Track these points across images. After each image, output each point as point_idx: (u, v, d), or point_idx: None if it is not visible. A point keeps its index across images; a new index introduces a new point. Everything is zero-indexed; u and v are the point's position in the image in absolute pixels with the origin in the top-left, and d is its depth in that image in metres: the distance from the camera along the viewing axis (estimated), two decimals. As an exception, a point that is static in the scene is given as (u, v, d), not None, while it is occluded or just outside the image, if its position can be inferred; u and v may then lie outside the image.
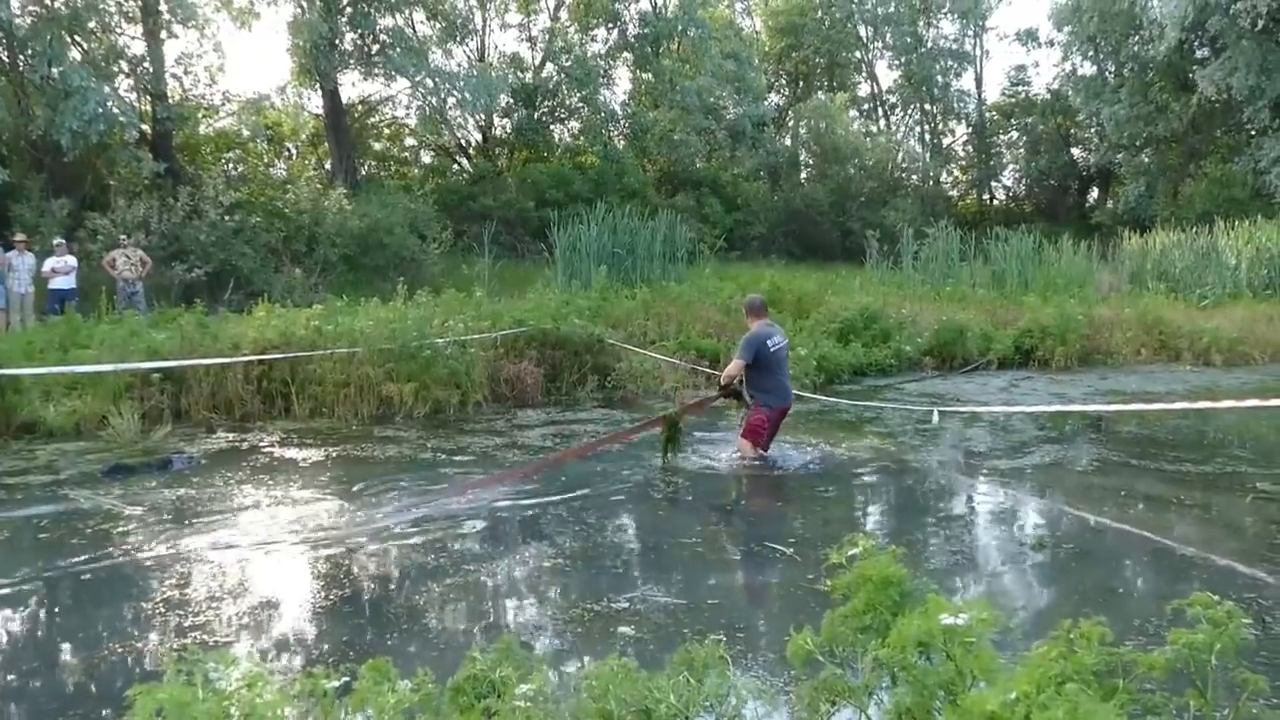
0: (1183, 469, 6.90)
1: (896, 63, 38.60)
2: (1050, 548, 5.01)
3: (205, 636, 3.86)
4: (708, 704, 2.25)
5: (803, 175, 33.85)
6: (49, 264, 13.90)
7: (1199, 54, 28.50)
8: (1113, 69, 32.71)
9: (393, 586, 4.48)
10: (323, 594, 4.39)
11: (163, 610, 4.17)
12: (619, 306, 13.17)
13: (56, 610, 4.18)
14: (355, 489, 6.40)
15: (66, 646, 3.79)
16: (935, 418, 7.86)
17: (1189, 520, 5.59)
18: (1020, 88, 38.98)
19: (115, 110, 17.56)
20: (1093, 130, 34.69)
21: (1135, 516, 5.63)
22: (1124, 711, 1.73)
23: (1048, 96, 37.12)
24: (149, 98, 20.45)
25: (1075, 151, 37.49)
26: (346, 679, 1.84)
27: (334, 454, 7.69)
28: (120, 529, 5.46)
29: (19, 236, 14.15)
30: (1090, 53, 33.14)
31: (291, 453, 7.74)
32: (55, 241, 14.46)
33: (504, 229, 22.27)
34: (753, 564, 4.91)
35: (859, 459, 7.36)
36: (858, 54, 39.24)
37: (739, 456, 7.01)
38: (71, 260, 14.26)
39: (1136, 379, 12.16)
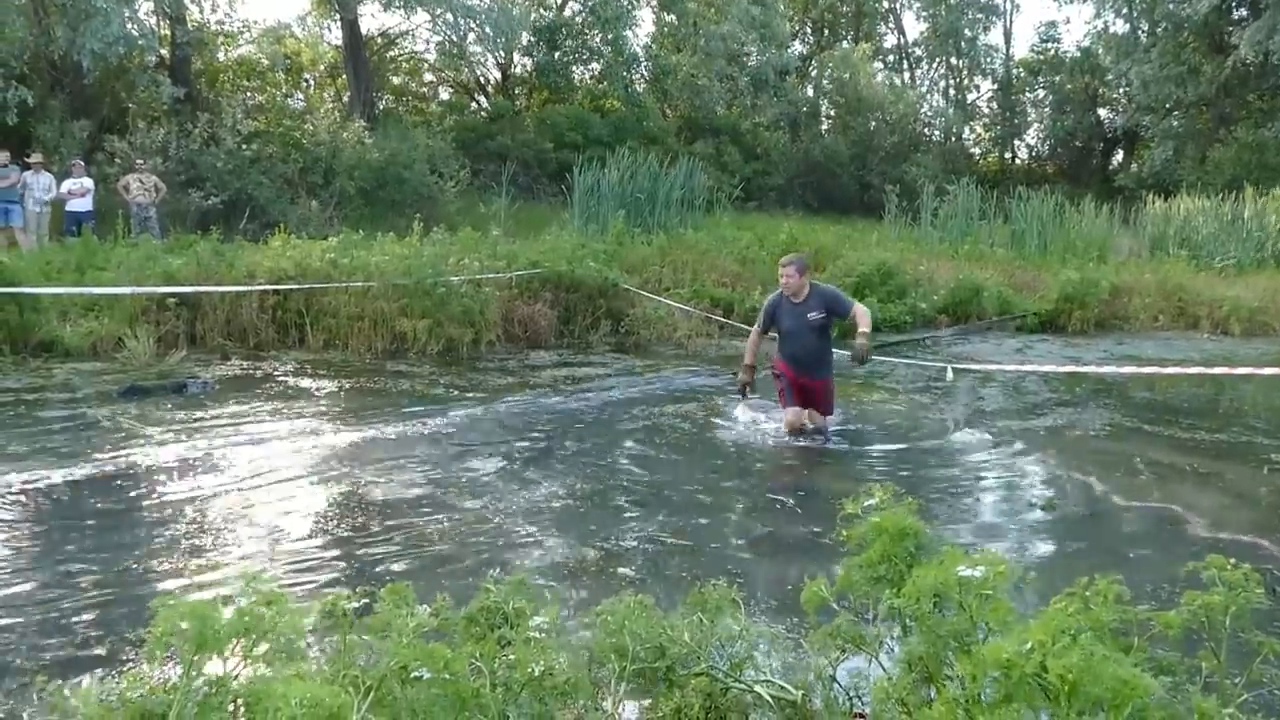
0: (1196, 437, 6.88)
1: (924, 14, 37.79)
2: (1059, 510, 5.01)
3: (218, 556, 3.91)
4: (719, 645, 2.28)
5: (824, 127, 33.32)
6: (66, 185, 13.86)
7: (1237, 14, 27.81)
8: (1146, 28, 31.95)
9: (403, 518, 4.51)
10: (333, 521, 4.44)
11: (177, 528, 4.22)
12: (635, 252, 13.10)
13: (73, 523, 4.24)
14: (368, 420, 6.44)
15: (85, 557, 3.85)
16: (949, 375, 7.84)
17: (1200, 489, 5.57)
18: (1050, 44, 38.10)
19: (135, 33, 17.34)
20: (1121, 91, 33.99)
21: (1146, 483, 5.62)
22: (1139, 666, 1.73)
23: (1077, 54, 36.28)
24: (168, 21, 20.18)
25: (1102, 112, 36.77)
26: (366, 601, 1.86)
27: (347, 386, 7.73)
28: (137, 447, 5.52)
29: (35, 156, 14.08)
30: (1124, 10, 32.35)
31: (305, 382, 7.79)
32: (72, 162, 14.42)
33: (521, 169, 22.06)
34: (756, 513, 4.92)
35: (869, 415, 7.35)
36: (885, 3, 38.41)
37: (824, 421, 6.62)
38: (88, 182, 14.21)
39: (1153, 345, 12.08)
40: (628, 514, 4.76)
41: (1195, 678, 1.88)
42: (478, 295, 9.88)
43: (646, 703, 2.17)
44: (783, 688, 2.27)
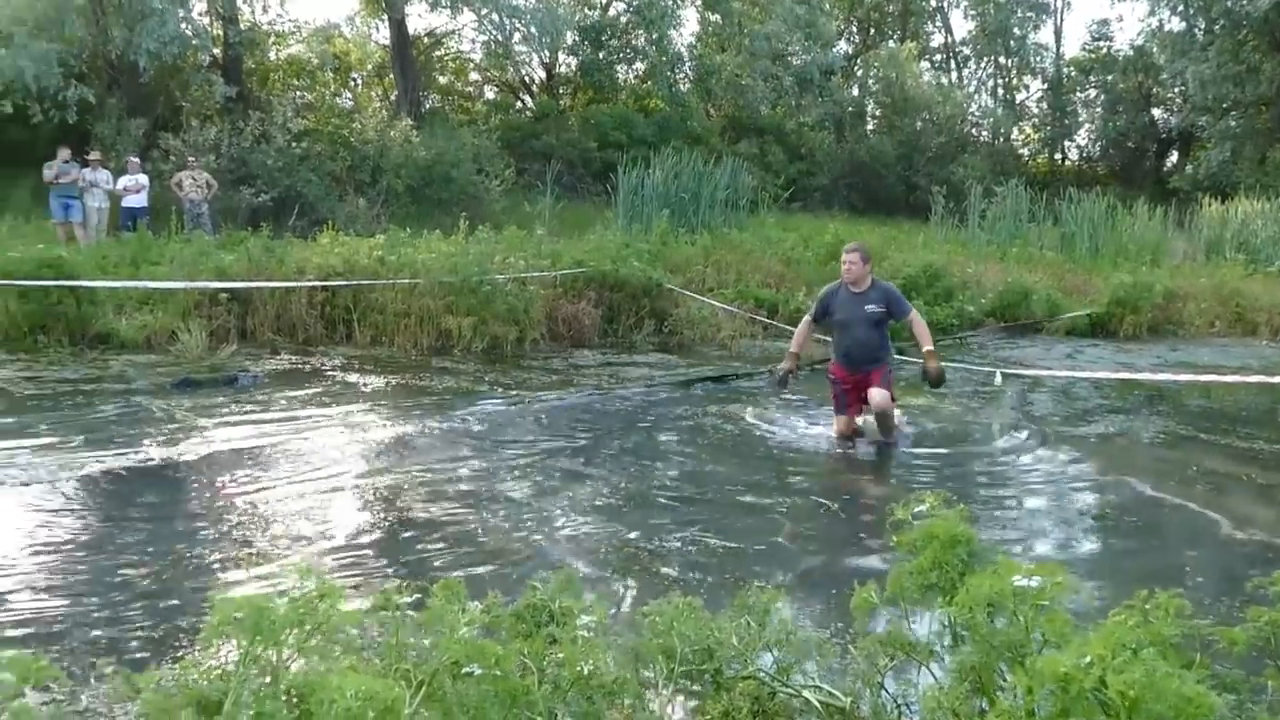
0: (1254, 446, 6.70)
1: (972, 12, 37.26)
2: (1112, 520, 4.91)
3: (267, 547, 3.97)
4: (766, 648, 2.27)
5: (869, 127, 33.00)
6: (122, 181, 14.19)
7: (1299, 12, 27.06)
8: (1203, 25, 31.19)
9: (448, 514, 4.55)
10: (380, 515, 4.49)
11: (228, 518, 4.29)
12: (679, 252, 13.09)
13: (128, 512, 4.33)
14: (414, 416, 6.50)
15: (138, 545, 3.92)
16: (998, 379, 7.72)
17: (1260, 500, 5.43)
18: (1102, 43, 37.34)
19: (189, 33, 17.72)
20: (1176, 90, 33.22)
21: (1202, 493, 5.48)
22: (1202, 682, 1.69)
23: (1130, 53, 35.50)
24: (221, 22, 20.57)
25: (1156, 112, 35.97)
26: (418, 596, 1.87)
27: (393, 381, 7.82)
28: (189, 439, 5.64)
29: (94, 154, 14.43)
30: (1180, 7, 31.62)
31: (352, 377, 7.89)
32: (128, 159, 14.76)
33: (566, 169, 22.13)
34: (801, 517, 4.88)
35: (917, 419, 7.27)
36: (932, 2, 37.94)
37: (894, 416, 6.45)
38: (144, 179, 14.53)
39: (1208, 351, 11.80)
40: (671, 514, 4.75)
41: (1260, 696, 1.83)
42: (522, 294, 9.94)
43: (694, 704, 2.17)
44: (831, 693, 2.25)
